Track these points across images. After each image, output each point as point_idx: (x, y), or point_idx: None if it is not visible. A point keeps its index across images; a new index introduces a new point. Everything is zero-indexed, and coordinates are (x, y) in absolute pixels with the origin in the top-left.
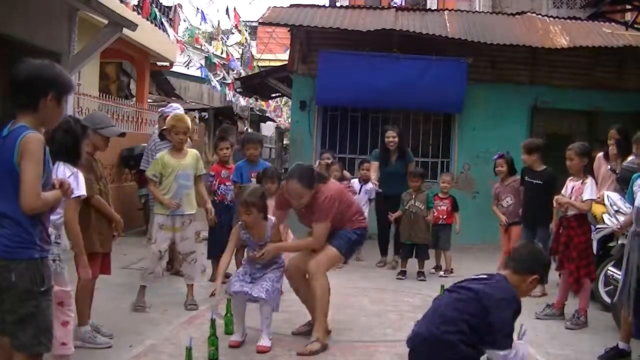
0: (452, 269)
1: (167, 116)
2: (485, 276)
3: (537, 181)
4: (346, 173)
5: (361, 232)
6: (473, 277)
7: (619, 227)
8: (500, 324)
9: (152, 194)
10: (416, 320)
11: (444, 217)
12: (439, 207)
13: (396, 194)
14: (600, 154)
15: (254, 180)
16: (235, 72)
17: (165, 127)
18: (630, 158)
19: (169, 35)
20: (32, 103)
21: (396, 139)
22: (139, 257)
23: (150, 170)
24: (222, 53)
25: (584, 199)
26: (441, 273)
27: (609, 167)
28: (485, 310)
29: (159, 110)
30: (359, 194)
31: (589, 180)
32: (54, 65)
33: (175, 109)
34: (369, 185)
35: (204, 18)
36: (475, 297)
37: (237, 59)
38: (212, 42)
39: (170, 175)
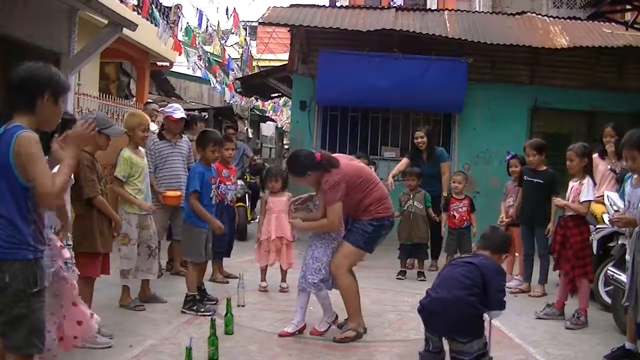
0: None
1: (169, 116)
2: (471, 256)
3: (537, 180)
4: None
5: (378, 222)
6: (463, 257)
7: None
8: (496, 290)
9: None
10: (425, 294)
11: (466, 218)
12: (459, 210)
13: (433, 195)
14: (596, 154)
15: (214, 186)
16: (233, 72)
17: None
18: None
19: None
20: (28, 105)
21: (425, 139)
22: None
23: (121, 171)
24: (219, 53)
25: (581, 200)
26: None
27: (608, 167)
28: (484, 278)
29: (160, 110)
30: None
31: (586, 181)
32: (48, 65)
33: (177, 109)
34: None
35: (200, 21)
36: (477, 269)
37: (235, 59)
38: (212, 42)
39: (140, 175)
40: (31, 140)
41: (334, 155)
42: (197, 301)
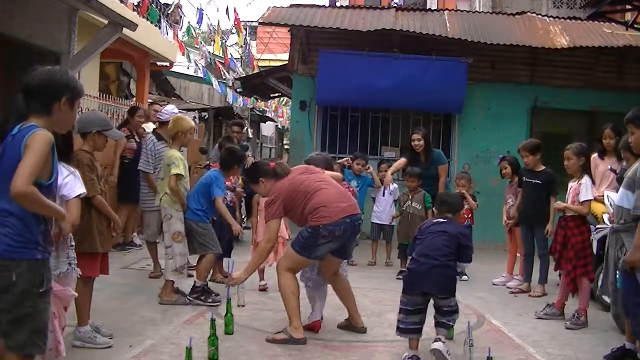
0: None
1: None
2: (442, 220)
3: (536, 181)
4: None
5: (312, 230)
6: (435, 221)
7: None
8: (466, 247)
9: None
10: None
11: (469, 216)
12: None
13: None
14: (595, 155)
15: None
16: (235, 73)
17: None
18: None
19: (168, 34)
20: (45, 108)
21: (422, 142)
22: (139, 257)
23: (181, 170)
24: (221, 53)
25: (581, 200)
26: (465, 277)
27: (608, 166)
28: (458, 242)
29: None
30: (383, 195)
31: (584, 180)
32: (65, 70)
33: (173, 111)
34: (393, 186)
35: (200, 19)
36: (453, 237)
37: (236, 59)
38: (212, 42)
39: (186, 175)
40: (43, 138)
41: (297, 167)
42: (205, 292)
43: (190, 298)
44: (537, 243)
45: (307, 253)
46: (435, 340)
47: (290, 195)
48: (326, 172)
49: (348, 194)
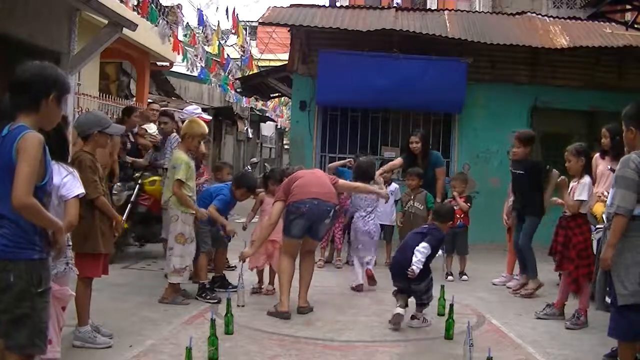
0: (464, 272)
1: (202, 118)
2: (426, 225)
3: (519, 171)
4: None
5: (286, 209)
6: (419, 228)
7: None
8: (428, 235)
9: (181, 199)
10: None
11: (461, 216)
12: (454, 207)
13: None
14: (597, 154)
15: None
16: (232, 73)
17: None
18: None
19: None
20: (34, 105)
21: (419, 145)
22: (139, 257)
23: (184, 175)
24: (219, 54)
25: (574, 199)
26: (450, 278)
27: (608, 166)
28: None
29: (186, 110)
30: None
31: (583, 180)
32: (53, 66)
33: (202, 111)
34: (393, 186)
35: (201, 20)
36: (424, 234)
37: (235, 59)
38: (210, 43)
39: (192, 178)
40: (34, 140)
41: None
42: (206, 289)
43: (198, 297)
44: (523, 232)
45: (286, 232)
46: (412, 318)
47: (288, 182)
48: (356, 182)
49: (329, 187)
